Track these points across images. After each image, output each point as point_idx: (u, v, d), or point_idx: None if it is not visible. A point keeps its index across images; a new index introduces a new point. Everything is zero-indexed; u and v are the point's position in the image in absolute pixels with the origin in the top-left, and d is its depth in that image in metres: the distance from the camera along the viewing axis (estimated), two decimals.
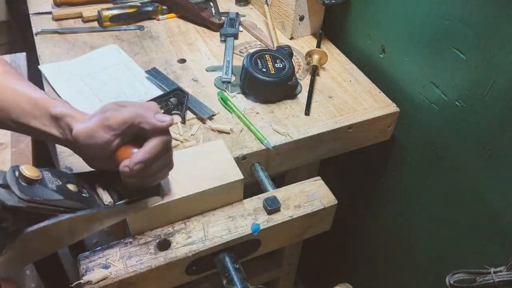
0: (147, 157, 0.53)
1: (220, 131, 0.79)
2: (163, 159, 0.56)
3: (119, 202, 0.58)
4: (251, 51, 0.95)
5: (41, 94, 0.58)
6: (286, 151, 0.79)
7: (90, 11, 1.05)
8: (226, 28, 1.04)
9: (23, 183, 0.49)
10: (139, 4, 1.07)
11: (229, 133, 0.79)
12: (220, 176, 0.65)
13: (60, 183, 0.54)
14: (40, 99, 0.57)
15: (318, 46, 1.00)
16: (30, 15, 1.06)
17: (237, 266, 0.63)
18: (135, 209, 0.59)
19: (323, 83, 0.92)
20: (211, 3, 1.12)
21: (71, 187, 0.54)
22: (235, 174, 0.66)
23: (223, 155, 0.69)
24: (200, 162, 0.68)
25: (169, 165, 0.59)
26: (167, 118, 0.54)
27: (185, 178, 0.65)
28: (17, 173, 0.50)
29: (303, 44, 1.03)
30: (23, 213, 0.49)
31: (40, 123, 0.56)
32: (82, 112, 0.56)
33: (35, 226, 0.51)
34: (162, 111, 0.80)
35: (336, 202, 0.70)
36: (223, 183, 0.65)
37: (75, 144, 0.55)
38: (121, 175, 0.55)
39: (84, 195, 0.56)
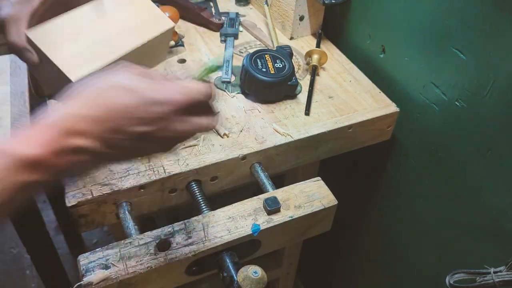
0: None
1: (218, 132, 0.79)
2: None
3: None
4: (251, 51, 0.95)
5: None
6: (286, 151, 0.79)
7: None
8: (226, 28, 1.04)
9: None
10: None
11: (228, 136, 0.78)
12: (149, 29, 0.54)
13: None
14: None
15: (318, 46, 1.00)
16: None
17: (237, 267, 0.63)
18: None
19: (323, 83, 0.92)
20: (211, 3, 1.12)
21: None
22: (164, 23, 0.55)
23: (144, 3, 0.56)
24: (120, 16, 0.55)
25: None
26: None
27: (109, 37, 0.52)
28: None
29: (303, 44, 1.03)
30: None
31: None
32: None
33: None
34: None
35: (336, 202, 0.70)
36: (155, 35, 0.54)
37: None
38: None
39: None
